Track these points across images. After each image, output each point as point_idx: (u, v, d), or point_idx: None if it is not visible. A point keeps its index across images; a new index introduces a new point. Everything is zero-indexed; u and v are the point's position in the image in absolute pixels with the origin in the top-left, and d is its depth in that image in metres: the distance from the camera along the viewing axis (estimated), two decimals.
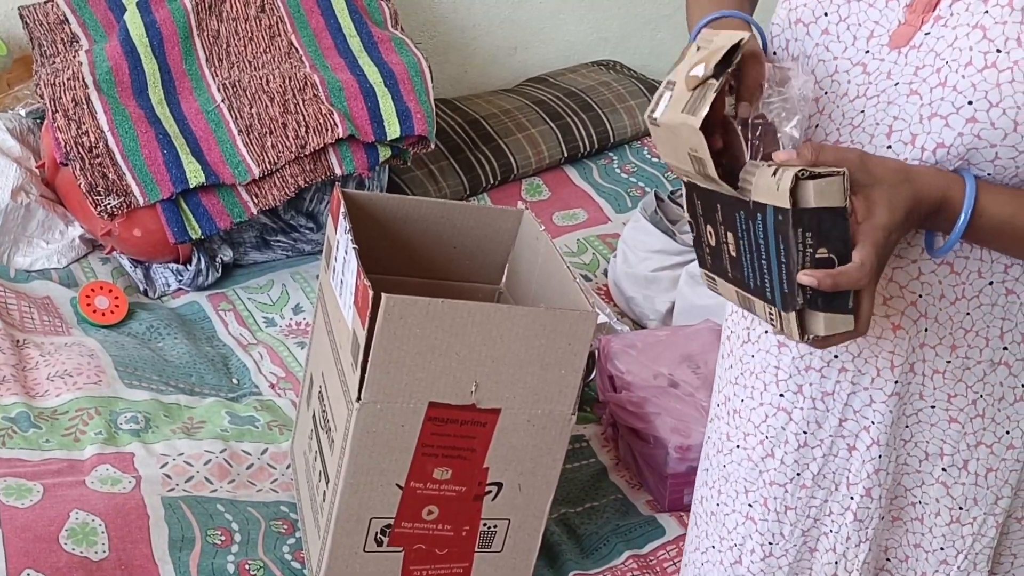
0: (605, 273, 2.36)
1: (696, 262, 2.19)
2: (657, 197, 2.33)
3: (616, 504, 1.77)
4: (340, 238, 1.43)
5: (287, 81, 2.18)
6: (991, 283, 1.00)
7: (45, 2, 2.29)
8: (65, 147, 2.08)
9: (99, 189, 2.08)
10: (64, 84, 2.10)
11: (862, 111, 0.98)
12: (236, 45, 2.24)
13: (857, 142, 0.98)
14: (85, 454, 1.67)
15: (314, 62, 2.25)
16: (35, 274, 2.12)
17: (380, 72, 2.23)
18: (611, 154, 2.73)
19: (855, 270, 0.86)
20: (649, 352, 1.94)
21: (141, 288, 2.17)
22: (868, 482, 1.10)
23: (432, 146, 2.27)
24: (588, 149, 2.70)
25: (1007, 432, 1.06)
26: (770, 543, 1.17)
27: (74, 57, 2.16)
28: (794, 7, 1.02)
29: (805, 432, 1.11)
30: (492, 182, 2.58)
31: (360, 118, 2.17)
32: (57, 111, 2.09)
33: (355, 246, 1.34)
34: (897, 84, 0.96)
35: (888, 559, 1.17)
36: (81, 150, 2.07)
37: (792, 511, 1.15)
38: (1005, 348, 1.03)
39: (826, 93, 1.00)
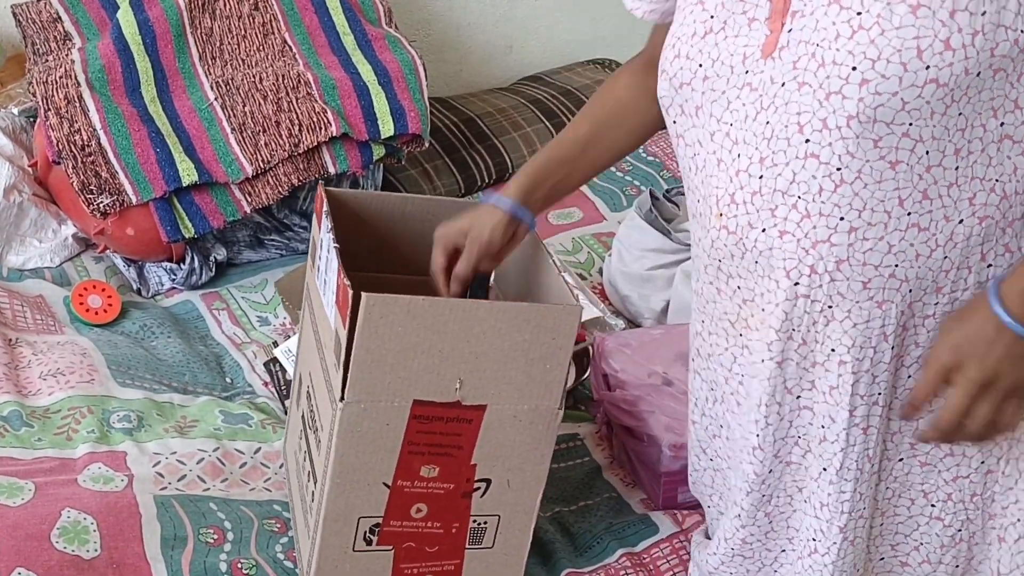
0: (600, 272, 2.36)
1: (690, 261, 2.20)
2: (652, 196, 2.32)
3: (610, 502, 1.77)
4: (323, 237, 1.43)
5: (280, 79, 2.18)
6: (961, 221, 1.02)
7: (38, 0, 2.29)
8: (57, 145, 2.08)
9: (92, 188, 2.08)
10: (57, 82, 2.11)
11: (767, 122, 1.03)
12: (229, 43, 2.25)
13: (778, 150, 1.02)
14: (77, 453, 1.67)
15: (308, 60, 2.25)
16: (28, 273, 2.13)
17: (374, 70, 2.23)
18: None
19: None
20: (643, 351, 1.94)
21: (134, 287, 2.18)
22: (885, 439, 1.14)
23: (426, 144, 2.28)
24: None
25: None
26: (813, 539, 1.20)
27: (67, 55, 2.16)
28: (672, 75, 1.09)
29: (823, 427, 1.14)
30: (487, 181, 2.58)
31: (354, 116, 2.17)
32: (49, 109, 2.09)
33: (336, 245, 1.33)
34: (783, 84, 1.01)
35: (931, 505, 1.17)
36: (73, 148, 2.08)
37: (826, 508, 1.17)
38: (989, 265, 1.06)
39: (731, 124, 1.05)
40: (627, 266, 2.23)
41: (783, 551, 1.23)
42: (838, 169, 1.00)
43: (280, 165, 2.15)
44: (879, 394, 1.11)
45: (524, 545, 1.48)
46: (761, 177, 1.04)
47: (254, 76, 2.19)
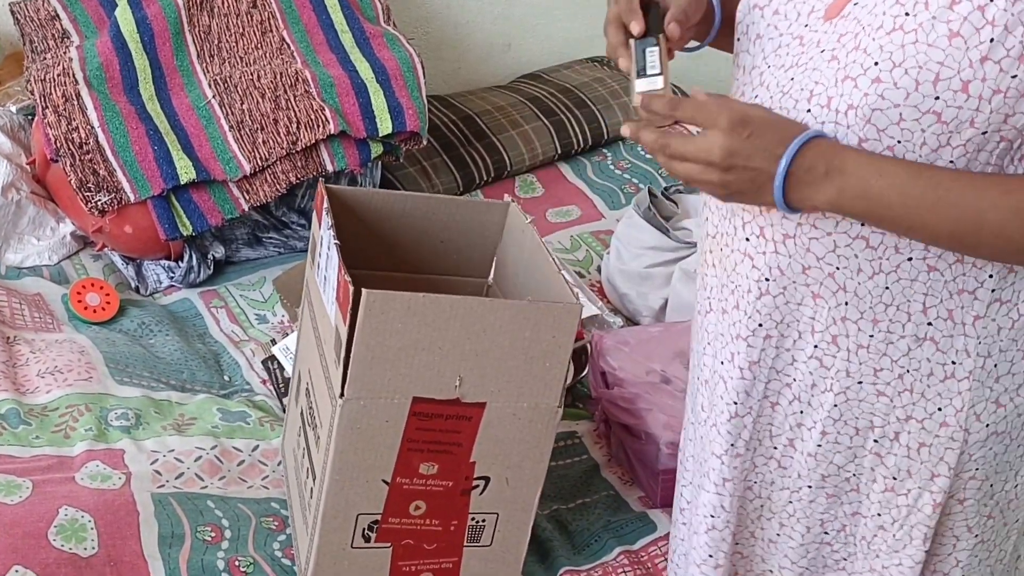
0: (599, 270, 2.36)
1: (689, 259, 2.20)
2: (651, 194, 2.32)
3: (608, 500, 1.77)
4: (323, 234, 1.43)
5: (278, 77, 2.18)
6: (910, 259, 1.01)
7: None
8: (55, 143, 2.08)
9: (89, 185, 2.08)
10: (54, 80, 2.10)
11: (792, 78, 1.03)
12: (227, 41, 2.24)
13: (784, 107, 1.03)
14: (75, 451, 1.67)
15: (305, 58, 2.25)
16: (26, 271, 2.12)
17: (372, 68, 2.23)
18: (605, 151, 2.73)
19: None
20: (642, 348, 1.94)
21: (132, 285, 2.17)
22: (791, 433, 1.14)
23: (424, 142, 2.27)
24: (582, 146, 2.69)
25: (939, 409, 1.07)
26: (712, 516, 1.21)
27: (65, 53, 2.16)
28: None
29: (736, 403, 1.15)
30: (485, 179, 2.58)
31: (352, 114, 2.17)
32: (47, 107, 2.09)
33: (336, 242, 1.33)
34: (823, 52, 1.01)
35: (826, 532, 1.19)
36: (71, 146, 2.07)
37: (729, 483, 1.19)
38: (930, 324, 1.04)
39: (769, 67, 1.06)
40: (625, 264, 2.23)
41: (694, 532, 1.25)
42: None
43: (278, 163, 2.15)
44: (794, 379, 1.11)
45: (522, 543, 1.48)
46: None
47: (252, 74, 2.19)
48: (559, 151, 2.66)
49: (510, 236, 1.62)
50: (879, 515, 1.13)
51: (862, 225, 1.00)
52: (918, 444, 1.09)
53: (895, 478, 1.11)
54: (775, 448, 1.16)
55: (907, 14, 0.94)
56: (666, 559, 1.64)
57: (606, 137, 2.71)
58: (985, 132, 0.94)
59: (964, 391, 1.06)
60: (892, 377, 1.07)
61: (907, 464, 1.10)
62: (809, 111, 1.00)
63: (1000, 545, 1.18)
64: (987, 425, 1.07)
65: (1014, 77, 0.91)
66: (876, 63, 0.95)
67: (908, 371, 1.06)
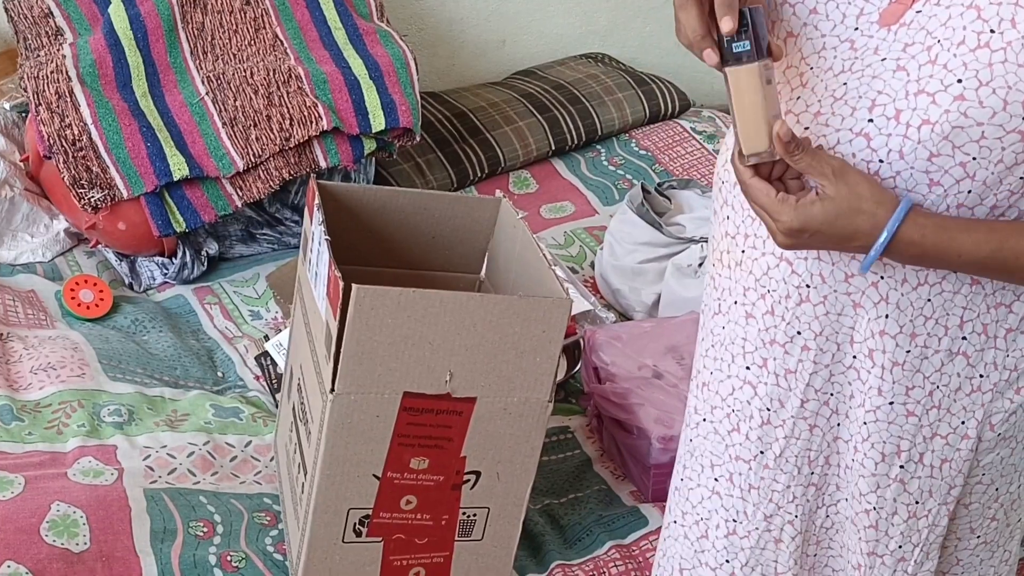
0: (592, 265, 2.36)
1: (682, 254, 2.20)
2: (644, 189, 2.33)
3: (600, 495, 1.77)
4: (314, 230, 1.43)
5: (271, 74, 2.18)
6: (956, 272, 1.00)
7: None
8: (48, 140, 2.08)
9: (83, 182, 2.08)
10: (47, 77, 2.10)
11: (845, 84, 0.99)
12: (221, 38, 2.24)
13: (838, 114, 0.99)
14: (68, 446, 1.67)
15: (299, 55, 2.25)
16: (20, 268, 2.13)
17: (365, 64, 2.23)
18: (599, 147, 2.73)
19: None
20: (634, 344, 1.94)
21: (126, 282, 2.18)
22: (828, 451, 1.11)
23: (417, 138, 2.27)
24: (576, 142, 2.69)
25: (962, 423, 1.07)
26: (734, 520, 1.18)
27: (58, 50, 2.16)
28: None
29: (768, 409, 1.11)
30: (479, 175, 2.58)
31: (345, 110, 2.17)
32: (41, 104, 2.09)
33: (327, 237, 1.34)
34: (884, 60, 0.97)
35: (842, 558, 1.17)
36: (64, 143, 2.08)
37: (755, 491, 1.15)
38: (964, 338, 1.03)
39: (811, 68, 1.01)
40: (619, 259, 2.24)
41: (705, 532, 1.21)
42: (880, 160, 0.97)
43: (271, 159, 2.15)
44: (831, 395, 1.08)
45: (513, 537, 1.49)
46: (807, 128, 1.00)
47: (245, 71, 2.19)
48: (553, 147, 2.66)
49: (502, 232, 1.62)
50: (900, 547, 1.12)
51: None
52: (941, 461, 1.08)
53: (918, 502, 1.10)
54: (813, 473, 1.13)
55: (992, 31, 0.91)
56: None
57: (600, 133, 2.72)
58: None
59: (987, 403, 1.05)
60: (923, 395, 1.05)
61: (929, 484, 1.09)
62: (871, 121, 0.97)
63: (1004, 546, 1.18)
64: (998, 434, 1.07)
65: None
66: (959, 80, 0.92)
67: (939, 387, 1.05)
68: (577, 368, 1.99)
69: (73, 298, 2.02)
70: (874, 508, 1.11)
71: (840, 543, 1.16)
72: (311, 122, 2.14)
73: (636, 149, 2.72)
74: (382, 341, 1.29)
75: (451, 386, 1.34)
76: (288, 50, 2.25)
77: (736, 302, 1.11)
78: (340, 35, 2.30)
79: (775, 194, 0.96)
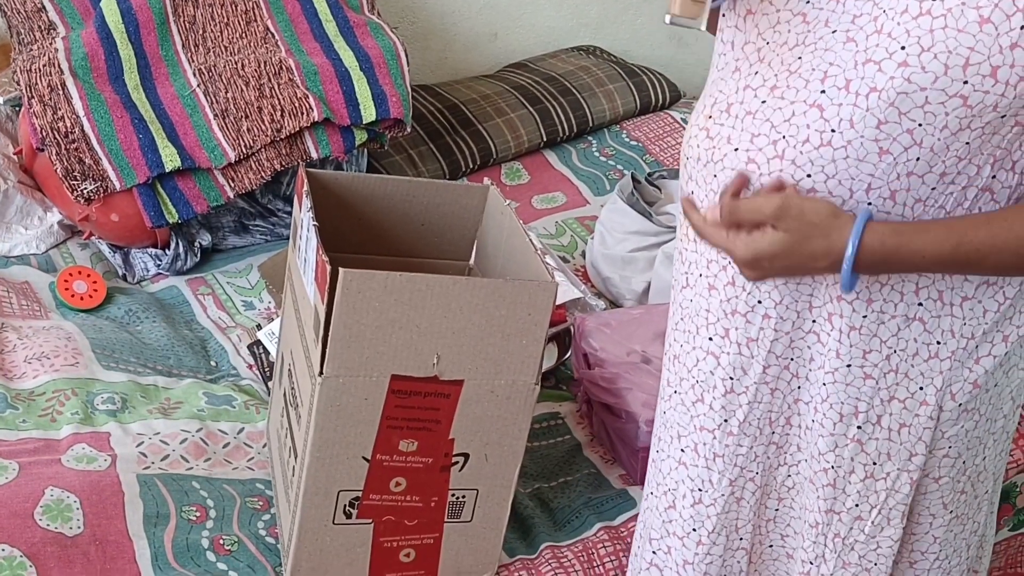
0: (583, 255, 2.38)
1: (671, 242, 2.21)
2: (634, 179, 2.34)
3: (589, 478, 1.79)
4: (303, 217, 1.45)
5: (262, 65, 2.20)
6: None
7: None
8: (41, 132, 2.09)
9: (75, 174, 2.09)
10: (40, 70, 2.12)
11: (799, 57, 1.02)
12: (212, 30, 2.26)
13: (793, 87, 1.02)
14: (61, 434, 1.68)
15: (290, 47, 2.26)
16: (14, 259, 2.14)
17: (356, 56, 2.25)
18: (590, 138, 2.74)
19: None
20: (623, 330, 1.96)
21: (120, 273, 2.19)
22: (788, 412, 1.14)
23: (408, 129, 2.29)
24: (567, 133, 2.71)
25: (920, 388, 1.09)
26: (700, 489, 1.20)
27: (51, 44, 2.18)
28: None
29: (731, 378, 1.14)
30: (471, 166, 2.60)
31: (335, 102, 2.19)
32: (33, 97, 2.10)
33: (315, 223, 1.35)
34: (835, 32, 1.00)
35: (803, 521, 1.19)
36: (57, 135, 2.09)
37: (720, 459, 1.18)
38: (920, 304, 1.05)
39: (768, 43, 1.05)
40: (609, 248, 2.25)
41: (672, 503, 1.24)
42: (832, 130, 0.99)
43: (263, 150, 2.17)
44: (791, 360, 1.11)
45: (502, 518, 1.50)
46: (763, 102, 1.03)
47: (236, 63, 2.21)
48: (544, 138, 2.68)
49: (490, 219, 1.64)
50: (857, 506, 1.14)
51: (868, 204, 1.01)
52: (899, 425, 1.10)
53: (875, 463, 1.12)
54: (774, 433, 1.16)
55: None
56: None
57: (591, 124, 2.73)
58: (1004, 116, 0.95)
59: (945, 370, 1.07)
60: (880, 359, 1.08)
61: (887, 447, 1.11)
62: (824, 92, 0.99)
63: (973, 517, 1.20)
64: (959, 404, 1.09)
65: None
66: (903, 47, 0.94)
67: (895, 351, 1.07)
68: (568, 355, 2.01)
69: (67, 289, 2.04)
70: (832, 467, 1.13)
71: (800, 504, 1.19)
72: (302, 113, 2.16)
73: (627, 140, 2.73)
74: (369, 324, 1.30)
75: (438, 369, 1.35)
76: (279, 42, 2.27)
77: (701, 275, 1.14)
78: (331, 27, 2.31)
79: (726, 234, 1.02)
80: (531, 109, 2.68)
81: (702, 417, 1.18)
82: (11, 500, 1.51)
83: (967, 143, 0.97)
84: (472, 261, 1.70)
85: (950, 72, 0.94)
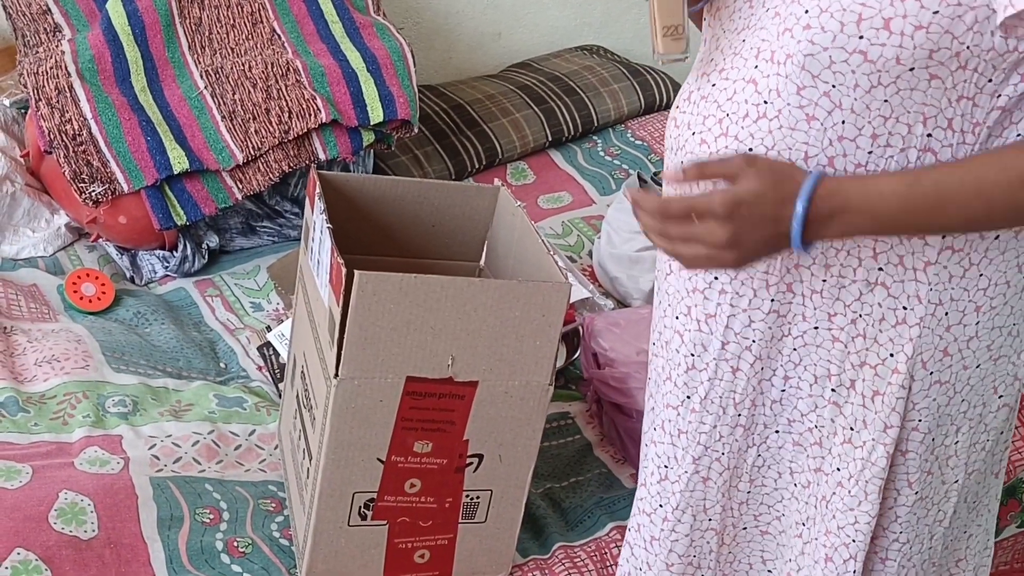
0: (590, 254, 2.38)
1: None
2: (640, 179, 2.35)
3: (600, 478, 1.79)
4: (316, 219, 1.45)
5: (269, 67, 2.20)
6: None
7: None
8: (49, 135, 2.09)
9: (83, 176, 2.09)
10: (47, 73, 2.12)
11: (744, 40, 1.07)
12: (218, 32, 2.26)
13: (735, 67, 1.07)
14: (73, 437, 1.69)
15: (296, 48, 2.26)
16: (22, 262, 2.14)
17: (362, 57, 2.25)
18: (595, 137, 2.75)
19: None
20: (632, 329, 1.96)
21: (128, 275, 2.19)
22: (754, 393, 1.16)
23: (415, 130, 2.29)
24: (572, 133, 2.71)
25: (891, 355, 1.10)
26: (665, 466, 1.24)
27: (57, 47, 2.18)
28: None
29: (692, 355, 1.17)
30: (477, 166, 2.60)
31: (343, 103, 2.19)
32: (40, 100, 2.10)
33: (329, 226, 1.36)
34: (768, 10, 1.05)
35: (795, 484, 1.21)
36: (65, 138, 2.09)
37: (684, 435, 1.21)
38: (880, 269, 1.07)
39: (724, 32, 1.11)
40: (616, 248, 2.26)
41: (643, 480, 1.28)
42: (765, 102, 1.03)
43: (270, 152, 2.17)
44: (753, 341, 1.13)
45: (516, 519, 1.51)
46: (714, 85, 1.09)
47: (243, 64, 2.21)
48: (549, 138, 2.68)
49: (500, 220, 1.64)
50: (839, 470, 1.15)
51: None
52: (872, 392, 1.11)
53: (852, 428, 1.13)
54: (740, 415, 1.18)
55: None
56: None
57: (596, 124, 2.74)
58: (912, 69, 0.97)
59: (915, 337, 1.08)
60: (846, 322, 1.09)
61: (863, 413, 1.12)
62: (757, 67, 1.04)
63: (939, 505, 1.20)
64: (931, 373, 1.10)
65: (935, 13, 0.95)
66: (807, 11, 0.99)
67: (860, 316, 1.09)
68: (577, 355, 2.01)
69: (75, 292, 2.04)
70: (815, 427, 1.16)
71: (773, 479, 1.21)
72: (310, 115, 2.16)
73: (632, 139, 2.74)
74: (384, 326, 1.31)
75: (453, 370, 1.36)
76: (286, 44, 2.27)
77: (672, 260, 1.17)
78: (337, 28, 2.31)
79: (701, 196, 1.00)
80: (536, 109, 2.68)
81: (668, 395, 1.22)
82: (26, 503, 1.51)
83: (886, 100, 0.99)
84: (483, 262, 1.70)
85: (845, 29, 0.97)
